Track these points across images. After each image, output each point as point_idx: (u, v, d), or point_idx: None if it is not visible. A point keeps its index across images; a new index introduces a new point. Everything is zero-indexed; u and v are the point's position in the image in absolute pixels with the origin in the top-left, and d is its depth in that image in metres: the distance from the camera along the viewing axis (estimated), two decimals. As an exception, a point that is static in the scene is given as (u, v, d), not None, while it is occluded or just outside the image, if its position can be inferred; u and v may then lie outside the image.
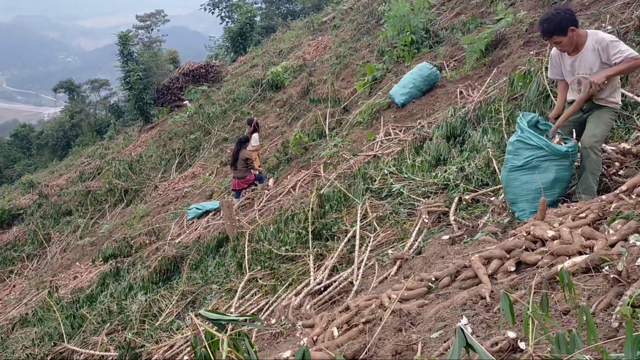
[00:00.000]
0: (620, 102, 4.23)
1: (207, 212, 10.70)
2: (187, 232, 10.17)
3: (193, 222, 10.60)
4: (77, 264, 12.23)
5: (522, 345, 2.23)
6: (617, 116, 4.27)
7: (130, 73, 25.29)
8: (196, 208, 10.95)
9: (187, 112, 20.09)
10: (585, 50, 4.10)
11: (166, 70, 31.85)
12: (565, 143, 4.26)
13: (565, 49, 4.19)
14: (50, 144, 42.13)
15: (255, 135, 11.18)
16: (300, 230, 6.46)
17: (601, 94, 4.10)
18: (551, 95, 6.06)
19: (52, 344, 7.00)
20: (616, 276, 2.48)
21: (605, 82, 3.99)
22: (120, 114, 37.78)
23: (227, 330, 1.73)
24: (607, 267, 2.61)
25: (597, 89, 4.02)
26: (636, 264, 2.42)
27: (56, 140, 41.59)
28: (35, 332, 7.69)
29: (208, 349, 1.68)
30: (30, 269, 14.24)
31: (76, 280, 10.82)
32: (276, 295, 5.48)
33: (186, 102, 22.32)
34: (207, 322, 1.93)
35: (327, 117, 11.91)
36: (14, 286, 13.21)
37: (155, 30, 46.78)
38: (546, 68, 6.35)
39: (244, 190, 10.61)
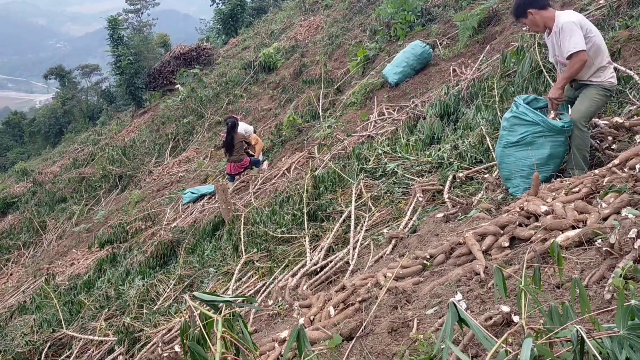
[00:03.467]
0: (613, 80, 4.20)
1: (202, 196, 10.68)
2: (183, 216, 10.16)
3: (188, 207, 10.58)
4: (74, 250, 12.22)
5: (515, 318, 2.26)
6: (609, 92, 4.23)
7: (121, 57, 25.00)
8: (191, 192, 10.92)
9: (180, 96, 19.93)
10: (553, 32, 4.21)
11: (157, 54, 31.51)
12: (560, 119, 4.27)
13: (533, 30, 4.45)
14: (42, 131, 41.81)
15: (242, 125, 10.96)
16: (296, 212, 6.47)
17: (583, 75, 4.18)
18: (544, 71, 6.05)
19: (51, 331, 7.02)
20: (609, 249, 2.50)
21: (561, 92, 4.20)
22: (112, 99, 37.46)
23: (221, 311, 1.74)
24: (599, 241, 2.62)
25: (558, 102, 4.26)
26: (628, 236, 2.44)
27: (48, 127, 41.27)
28: (34, 319, 7.71)
29: (203, 330, 1.69)
30: (26, 256, 14.23)
31: (73, 267, 10.82)
32: (273, 276, 5.50)
33: (178, 85, 22.12)
34: (202, 304, 1.94)
35: (321, 98, 11.85)
36: (11, 274, 13.21)
37: (145, 14, 46.09)
38: (539, 44, 6.35)
39: (240, 174, 10.59)
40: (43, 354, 6.56)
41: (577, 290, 1.68)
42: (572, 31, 4.02)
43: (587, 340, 1.16)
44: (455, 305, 1.38)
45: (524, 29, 7.72)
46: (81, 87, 45.85)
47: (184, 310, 5.80)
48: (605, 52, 4.22)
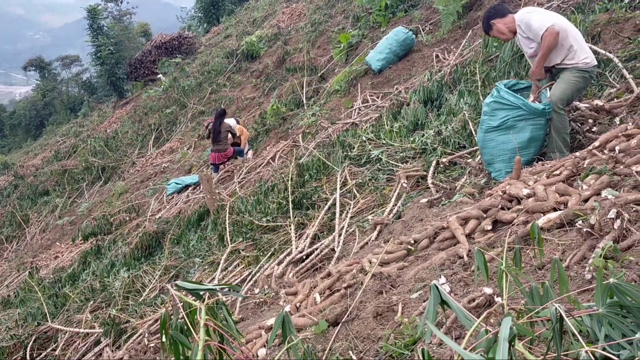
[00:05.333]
0: (587, 61, 4.23)
1: (186, 187, 10.62)
2: (167, 207, 10.10)
3: (173, 197, 10.52)
4: (58, 243, 12.09)
5: (498, 300, 2.28)
6: (586, 74, 4.26)
7: (101, 48, 24.67)
8: (175, 183, 10.85)
9: (162, 86, 19.73)
10: (517, 32, 4.48)
11: (138, 44, 31.16)
12: (541, 101, 4.31)
13: (503, 39, 4.73)
14: (23, 124, 41.22)
15: (229, 121, 10.85)
16: (281, 201, 6.46)
17: (556, 59, 4.29)
18: (526, 55, 6.06)
19: (36, 324, 6.96)
20: (589, 230, 2.53)
21: (541, 69, 4.33)
22: (93, 90, 37.00)
23: (204, 299, 1.73)
24: (580, 222, 2.66)
25: (539, 77, 4.39)
26: (608, 216, 2.47)
27: (29, 119, 40.70)
28: (18, 313, 7.62)
29: (186, 319, 1.68)
30: (9, 250, 14.06)
31: (57, 260, 10.71)
32: (259, 265, 5.50)
33: (160, 75, 21.90)
34: (187, 294, 1.93)
35: (304, 86, 11.80)
36: (-6, 269, 13.06)
37: (125, 3, 45.47)
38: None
39: (224, 164, 10.54)
40: (28, 348, 6.50)
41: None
42: (529, 19, 4.25)
43: (565, 318, 1.17)
44: (437, 287, 1.38)
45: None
46: (61, 78, 45.19)
47: (169, 300, 5.78)
48: (574, 34, 4.27)
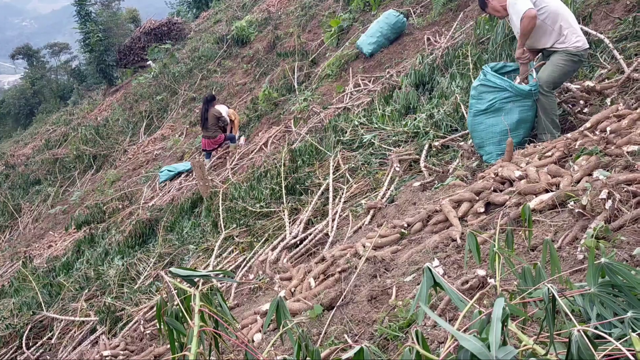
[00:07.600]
0: (579, 44, 4.21)
1: (179, 174, 10.58)
2: (160, 194, 10.07)
3: (165, 185, 10.48)
4: (51, 232, 12.05)
5: (491, 282, 2.30)
6: (576, 57, 4.25)
7: (90, 34, 24.35)
8: (168, 170, 10.80)
9: (152, 73, 19.53)
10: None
11: (127, 30, 30.78)
12: (528, 83, 4.32)
13: (498, 16, 4.72)
14: (12, 113, 40.72)
15: (220, 108, 10.68)
16: (274, 186, 6.46)
17: (546, 43, 4.29)
18: (517, 37, 6.05)
19: (31, 313, 6.96)
20: (581, 210, 2.55)
21: (523, 52, 4.37)
22: (82, 78, 36.59)
23: (198, 285, 1.73)
24: (572, 203, 2.67)
25: (523, 61, 4.40)
26: (600, 197, 2.48)
27: (18, 108, 40.20)
28: (13, 303, 7.62)
29: (181, 305, 1.68)
30: (2, 240, 14.00)
31: (51, 249, 10.68)
32: (253, 251, 5.51)
33: (150, 62, 21.67)
34: (182, 281, 1.93)
35: (296, 71, 11.73)
36: (-13, 259, 13.00)
37: (113, -12, 44.84)
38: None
39: (215, 150, 10.50)
40: (24, 337, 6.50)
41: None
42: (515, 1, 4.22)
43: (558, 298, 1.18)
44: (430, 270, 1.39)
45: None
46: (50, 66, 44.62)
47: (163, 287, 5.80)
48: (566, 16, 4.24)
